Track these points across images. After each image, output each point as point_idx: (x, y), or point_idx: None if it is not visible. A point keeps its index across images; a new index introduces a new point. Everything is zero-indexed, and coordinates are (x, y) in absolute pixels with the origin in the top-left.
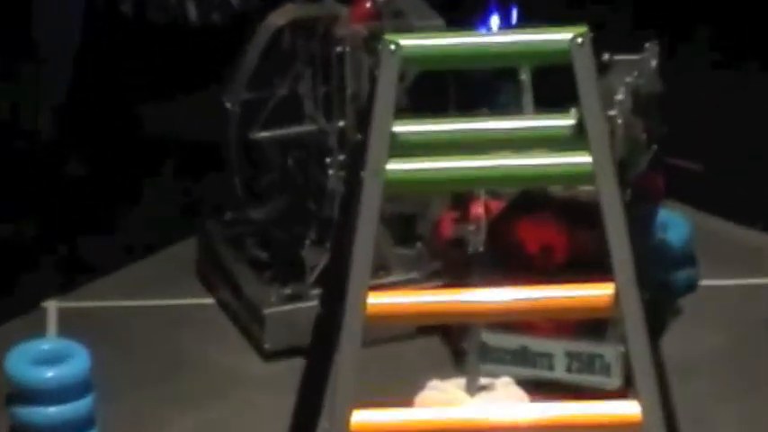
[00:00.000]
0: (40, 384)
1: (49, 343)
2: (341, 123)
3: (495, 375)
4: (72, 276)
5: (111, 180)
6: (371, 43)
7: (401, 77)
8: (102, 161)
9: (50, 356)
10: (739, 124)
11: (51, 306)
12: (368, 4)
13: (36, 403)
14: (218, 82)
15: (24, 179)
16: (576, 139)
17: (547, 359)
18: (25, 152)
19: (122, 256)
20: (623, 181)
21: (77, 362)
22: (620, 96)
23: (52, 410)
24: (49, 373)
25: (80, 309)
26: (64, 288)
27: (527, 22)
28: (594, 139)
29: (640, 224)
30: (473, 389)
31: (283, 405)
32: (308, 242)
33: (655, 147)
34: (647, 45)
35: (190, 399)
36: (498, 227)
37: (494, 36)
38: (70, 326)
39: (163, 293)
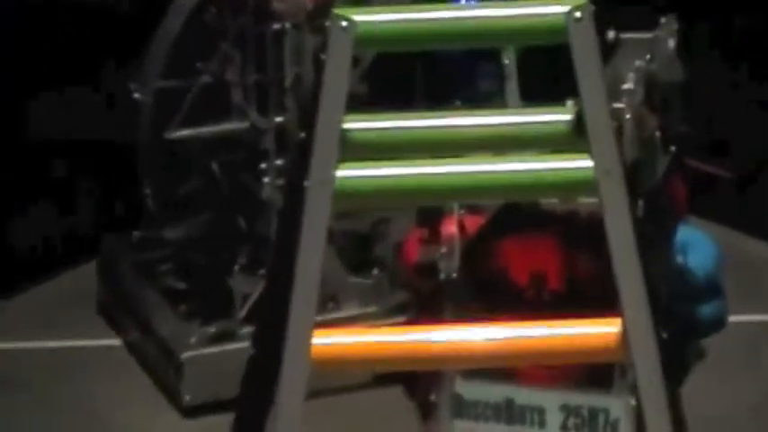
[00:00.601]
0: None
1: None
2: (279, 119)
3: None
4: None
5: None
6: (317, 19)
7: (355, 61)
8: None
9: None
10: None
11: None
12: None
13: None
14: (126, 68)
15: None
16: (573, 138)
17: (537, 414)
18: None
19: (5, 285)
20: (634, 191)
21: None
22: (629, 85)
23: None
24: None
25: None
26: None
27: None
28: (597, 139)
29: (655, 245)
30: None
31: None
32: (237, 268)
33: (673, 148)
34: (662, 20)
35: None
36: (477, 249)
37: (470, 9)
38: None
39: (56, 332)
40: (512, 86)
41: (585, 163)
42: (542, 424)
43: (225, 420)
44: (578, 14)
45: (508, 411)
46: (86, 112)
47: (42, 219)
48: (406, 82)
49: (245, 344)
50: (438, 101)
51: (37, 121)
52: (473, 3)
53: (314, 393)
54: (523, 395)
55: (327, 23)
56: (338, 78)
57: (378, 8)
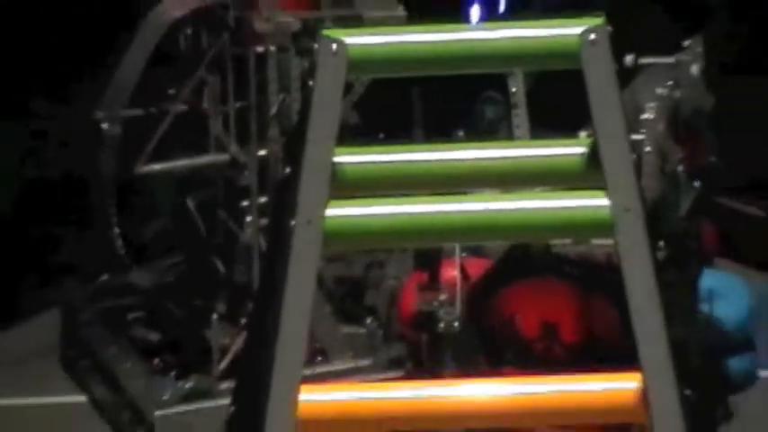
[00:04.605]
0: None
1: None
2: (261, 152)
3: None
4: None
5: None
6: (304, 41)
7: (347, 88)
8: None
9: None
10: None
11: None
12: None
13: None
14: (90, 93)
15: None
16: (588, 173)
17: None
18: None
19: None
20: (655, 232)
21: None
22: (649, 114)
23: None
24: None
25: None
26: None
27: (522, 10)
28: (614, 174)
29: (680, 292)
30: None
31: None
32: (214, 317)
33: (699, 183)
34: (686, 43)
35: None
36: (481, 297)
37: (473, 31)
38: None
39: (15, 388)
40: (520, 116)
41: (601, 201)
42: None
43: None
44: (593, 36)
45: None
46: (50, 142)
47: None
48: (403, 111)
49: (224, 401)
50: (438, 132)
51: None
52: (482, 23)
53: None
54: None
55: (316, 46)
56: (328, 106)
57: (371, 29)
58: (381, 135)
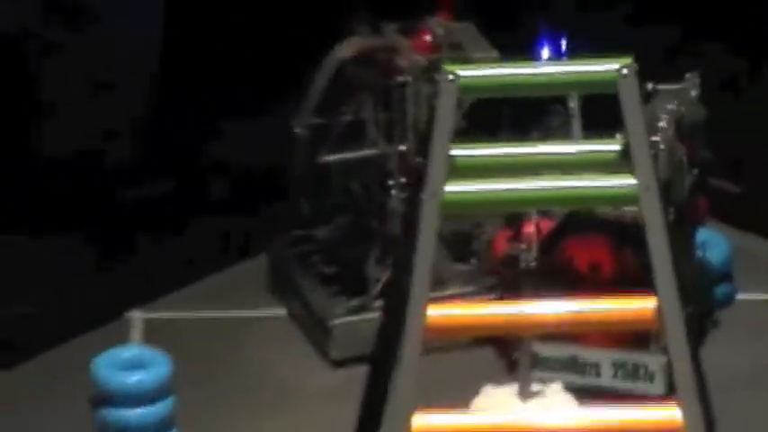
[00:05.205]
0: (125, 388)
1: (133, 350)
2: (401, 147)
3: (546, 382)
4: (155, 289)
5: (189, 199)
6: (431, 73)
7: (459, 104)
8: (183, 182)
9: (134, 362)
10: None
11: (135, 316)
12: (427, 37)
13: (121, 406)
14: (286, 108)
15: (110, 198)
16: (621, 162)
17: (594, 368)
18: (106, 173)
19: (198, 269)
20: (667, 202)
21: (159, 368)
22: (662, 123)
23: (135, 412)
24: (134, 378)
25: (161, 319)
26: (146, 299)
27: (576, 51)
28: (639, 163)
29: (683, 243)
30: (525, 395)
31: (349, 410)
32: (371, 259)
33: (696, 170)
34: (687, 75)
35: (260, 406)
36: (549, 245)
37: (544, 66)
38: (152, 334)
39: (237, 305)
40: (576, 123)
41: (630, 181)
42: (599, 375)
43: (362, 371)
44: (625, 71)
45: (572, 365)
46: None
47: (220, 223)
48: (495, 119)
49: (377, 314)
50: (519, 134)
51: (226, 143)
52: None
53: (427, 351)
54: (584, 353)
55: (438, 76)
56: (446, 117)
57: (476, 65)
58: (481, 135)
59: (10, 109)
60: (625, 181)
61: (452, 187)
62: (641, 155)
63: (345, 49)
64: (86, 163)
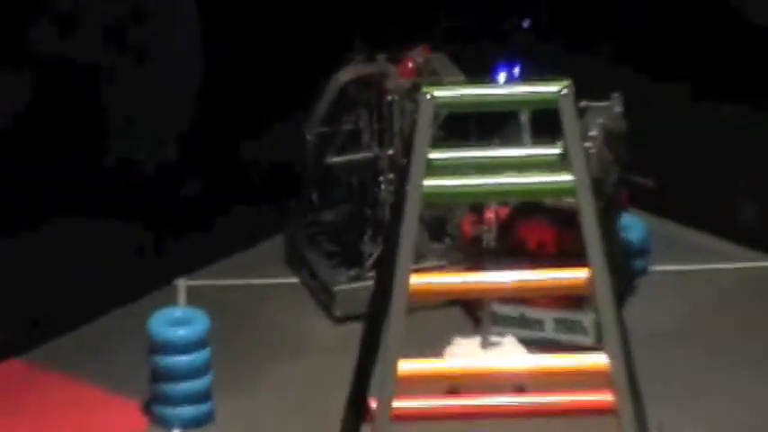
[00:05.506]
0: (172, 340)
1: (179, 311)
2: (390, 152)
3: (503, 335)
4: (196, 262)
5: (224, 192)
6: (413, 93)
7: (435, 117)
8: (220, 178)
9: (180, 320)
10: (687, 151)
11: (181, 284)
12: (410, 64)
13: (169, 353)
14: (300, 119)
15: (159, 193)
16: (561, 163)
17: (540, 324)
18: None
19: (231, 247)
20: (597, 194)
21: (199, 324)
22: (593, 133)
23: (180, 359)
24: (179, 332)
25: (202, 286)
26: (189, 270)
27: (527, 75)
28: (575, 164)
29: (610, 227)
30: (486, 345)
31: (349, 357)
32: (366, 238)
33: (619, 169)
34: (613, 95)
35: (280, 353)
36: (505, 228)
37: (501, 88)
38: (194, 298)
39: (260, 275)
40: (526, 132)
41: (569, 177)
42: (543, 329)
43: (359, 326)
44: (565, 92)
45: (523, 322)
46: (280, 144)
47: (248, 210)
48: (465, 129)
49: (370, 282)
50: (483, 140)
51: (251, 148)
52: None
53: (411, 310)
54: (532, 312)
55: (419, 96)
56: (425, 127)
57: (448, 86)
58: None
59: (89, 121)
60: (565, 177)
61: (430, 182)
62: (577, 157)
63: (346, 74)
64: (144, 163)
